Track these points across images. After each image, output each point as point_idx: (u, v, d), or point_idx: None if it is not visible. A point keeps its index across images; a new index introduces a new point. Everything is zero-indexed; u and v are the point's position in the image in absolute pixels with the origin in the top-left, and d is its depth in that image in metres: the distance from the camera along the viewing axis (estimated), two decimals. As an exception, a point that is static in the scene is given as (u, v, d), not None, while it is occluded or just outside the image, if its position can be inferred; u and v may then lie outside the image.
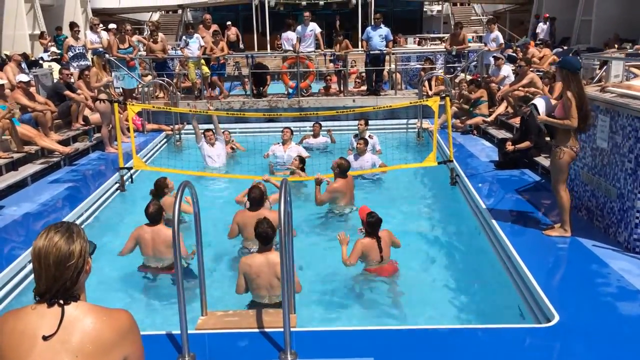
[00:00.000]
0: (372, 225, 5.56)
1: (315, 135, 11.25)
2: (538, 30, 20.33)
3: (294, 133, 10.70)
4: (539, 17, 21.39)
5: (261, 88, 14.14)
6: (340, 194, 7.49)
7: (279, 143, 10.31)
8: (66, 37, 16.68)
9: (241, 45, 18.20)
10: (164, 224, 5.82)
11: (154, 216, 5.76)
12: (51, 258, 1.94)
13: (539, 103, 5.85)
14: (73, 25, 13.79)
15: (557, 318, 4.19)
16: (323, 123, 12.01)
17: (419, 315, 4.94)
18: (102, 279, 5.40)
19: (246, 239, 6.15)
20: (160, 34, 14.30)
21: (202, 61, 13.54)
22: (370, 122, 10.82)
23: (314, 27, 13.88)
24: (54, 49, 16.04)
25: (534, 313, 4.58)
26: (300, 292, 4.78)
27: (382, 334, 4.22)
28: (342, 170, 7.53)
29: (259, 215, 5.33)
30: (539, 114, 5.71)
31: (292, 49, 13.98)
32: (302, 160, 8.72)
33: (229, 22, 18.43)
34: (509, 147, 8.59)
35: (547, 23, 20.15)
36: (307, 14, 14.25)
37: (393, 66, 14.50)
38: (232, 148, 10.77)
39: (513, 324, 4.54)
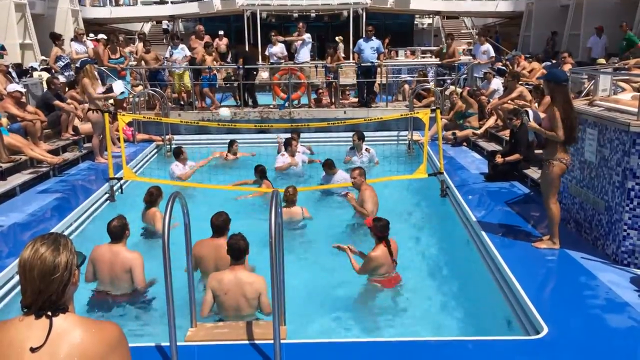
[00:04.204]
0: (381, 228, 5.45)
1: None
2: (589, 44, 16.34)
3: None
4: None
5: (251, 98, 14.15)
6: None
7: (284, 154, 10.07)
8: (2, 47, 16.41)
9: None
10: (125, 243, 5.42)
11: (115, 233, 5.32)
12: (36, 270, 1.92)
13: (530, 112, 5.94)
14: (57, 36, 13.69)
15: (546, 330, 4.21)
16: (315, 135, 12.05)
17: (408, 327, 4.93)
18: (87, 291, 5.34)
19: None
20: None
21: (186, 72, 13.57)
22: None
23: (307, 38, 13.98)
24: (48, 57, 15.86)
25: (523, 325, 4.59)
26: (291, 305, 4.72)
27: (371, 346, 4.22)
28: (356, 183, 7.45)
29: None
30: (529, 121, 5.77)
31: (281, 61, 14.06)
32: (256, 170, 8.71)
33: (221, 32, 18.43)
34: (499, 159, 8.66)
35: (602, 37, 16.14)
36: (300, 25, 14.31)
37: (404, 77, 14.54)
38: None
39: (502, 336, 4.55)
